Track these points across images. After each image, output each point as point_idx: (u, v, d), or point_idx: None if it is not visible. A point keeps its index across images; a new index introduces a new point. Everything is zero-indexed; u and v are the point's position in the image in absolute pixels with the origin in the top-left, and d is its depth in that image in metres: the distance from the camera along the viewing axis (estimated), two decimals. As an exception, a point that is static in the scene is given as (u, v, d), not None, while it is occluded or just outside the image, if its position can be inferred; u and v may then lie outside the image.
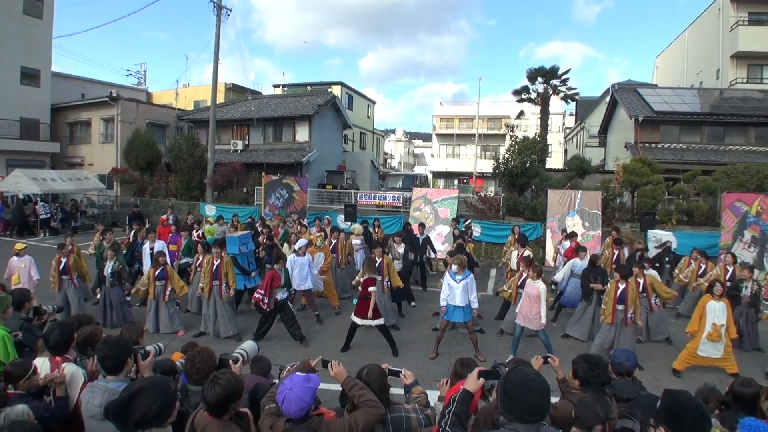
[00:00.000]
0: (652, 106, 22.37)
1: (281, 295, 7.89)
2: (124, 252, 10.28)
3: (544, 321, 7.35)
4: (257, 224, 13.04)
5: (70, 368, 3.46)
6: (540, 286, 7.36)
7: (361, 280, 7.83)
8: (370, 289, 7.55)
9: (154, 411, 2.41)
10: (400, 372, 3.27)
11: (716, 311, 6.94)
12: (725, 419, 3.16)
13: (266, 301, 7.76)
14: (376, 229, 13.05)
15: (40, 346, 3.79)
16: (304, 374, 2.79)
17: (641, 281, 8.07)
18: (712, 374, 6.74)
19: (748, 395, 3.40)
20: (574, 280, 9.29)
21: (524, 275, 8.16)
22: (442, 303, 7.63)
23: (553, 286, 10.52)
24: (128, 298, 9.10)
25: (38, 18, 25.86)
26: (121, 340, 3.24)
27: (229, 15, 20.88)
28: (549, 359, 3.15)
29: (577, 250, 9.66)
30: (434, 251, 12.87)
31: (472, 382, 2.60)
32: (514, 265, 9.85)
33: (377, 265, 8.23)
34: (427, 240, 12.06)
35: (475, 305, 7.55)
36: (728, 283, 8.41)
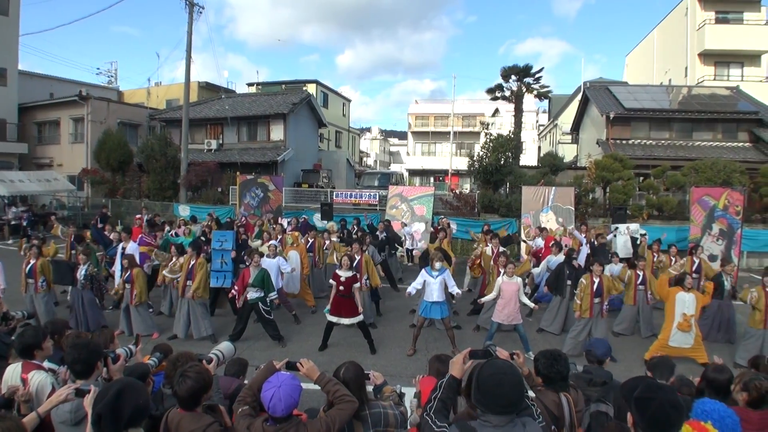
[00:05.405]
0: (623, 104, 22.77)
1: (252, 294, 7.80)
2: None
3: (533, 305, 7.70)
4: (235, 224, 12.77)
5: (38, 377, 3.28)
6: (517, 281, 7.51)
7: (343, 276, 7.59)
8: (355, 286, 7.53)
9: (142, 405, 2.43)
10: (369, 374, 3.29)
11: (686, 302, 7.13)
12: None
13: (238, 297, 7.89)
14: (354, 227, 12.99)
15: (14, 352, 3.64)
16: (290, 373, 2.78)
17: (641, 273, 8.45)
18: (683, 364, 6.90)
19: (721, 381, 3.46)
20: (549, 275, 9.40)
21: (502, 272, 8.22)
22: (410, 290, 7.62)
23: (526, 279, 10.65)
24: (103, 301, 8.91)
25: (4, 15, 25.14)
26: (91, 343, 3.17)
27: (201, 12, 20.63)
28: (514, 356, 3.15)
29: (553, 246, 9.79)
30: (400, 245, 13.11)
31: (458, 367, 2.56)
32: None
33: (356, 263, 8.15)
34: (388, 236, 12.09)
35: (456, 290, 7.57)
36: (695, 275, 8.65)
